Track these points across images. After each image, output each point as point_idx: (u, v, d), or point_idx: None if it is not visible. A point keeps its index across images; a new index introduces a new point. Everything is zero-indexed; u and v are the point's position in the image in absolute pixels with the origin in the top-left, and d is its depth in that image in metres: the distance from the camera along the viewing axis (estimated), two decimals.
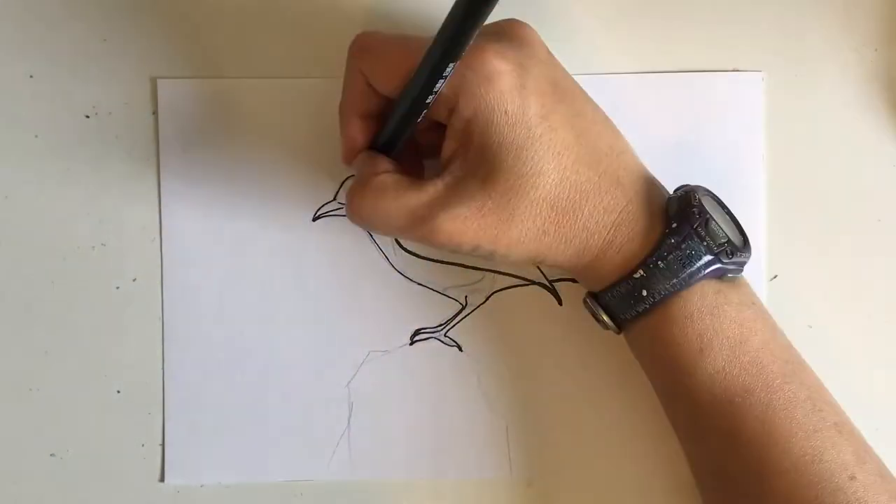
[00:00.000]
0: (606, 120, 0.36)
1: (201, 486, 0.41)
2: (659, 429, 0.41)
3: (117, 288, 0.41)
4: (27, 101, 0.41)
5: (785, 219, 0.41)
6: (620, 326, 0.36)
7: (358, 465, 0.41)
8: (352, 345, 0.41)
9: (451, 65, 0.32)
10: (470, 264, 0.41)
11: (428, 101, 0.33)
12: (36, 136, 0.41)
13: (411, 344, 0.41)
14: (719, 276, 0.35)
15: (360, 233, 0.41)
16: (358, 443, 0.41)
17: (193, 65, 0.41)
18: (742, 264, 0.35)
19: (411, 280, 0.41)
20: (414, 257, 0.41)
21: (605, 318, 0.36)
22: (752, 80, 0.41)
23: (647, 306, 0.35)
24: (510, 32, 0.35)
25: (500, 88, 0.33)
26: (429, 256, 0.41)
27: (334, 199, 0.41)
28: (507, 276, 0.41)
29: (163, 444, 0.41)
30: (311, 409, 0.41)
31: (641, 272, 0.34)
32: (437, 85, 0.33)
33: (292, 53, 0.41)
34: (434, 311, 0.41)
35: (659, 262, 0.34)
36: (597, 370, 0.41)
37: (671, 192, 0.37)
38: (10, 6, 0.41)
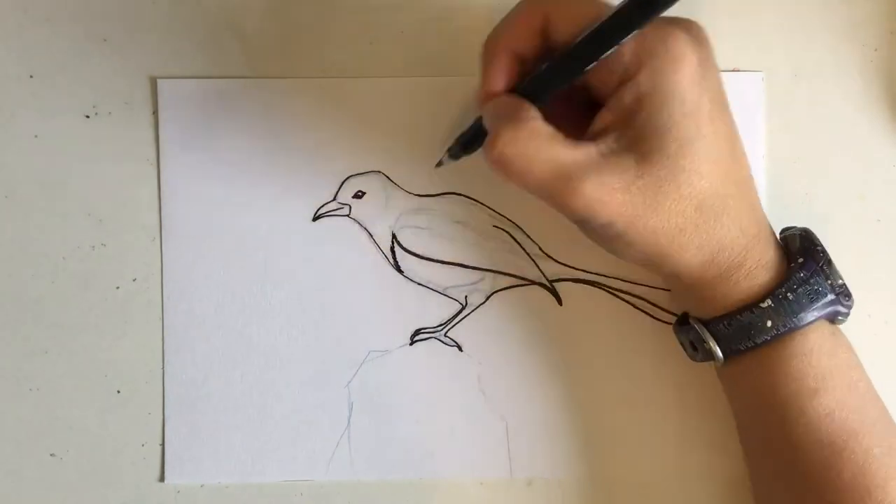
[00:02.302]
0: (744, 148, 0.35)
1: (201, 486, 0.41)
2: (659, 428, 0.41)
3: (117, 288, 0.41)
4: (27, 101, 0.41)
5: (785, 219, 0.41)
6: (726, 358, 0.35)
7: (358, 465, 0.41)
8: (352, 345, 0.41)
9: (636, 31, 0.31)
10: (471, 264, 0.41)
11: (604, 56, 0.32)
12: (36, 136, 0.41)
13: (411, 344, 0.41)
14: (832, 318, 0.35)
15: (360, 233, 0.41)
16: (358, 443, 0.41)
17: (193, 65, 0.41)
18: (850, 309, 0.35)
19: (411, 280, 0.41)
20: (414, 257, 0.41)
21: (714, 346, 0.35)
22: (752, 80, 0.41)
23: (768, 338, 0.34)
24: (694, 30, 0.33)
25: (685, 75, 0.32)
26: (430, 256, 0.41)
27: (334, 199, 0.41)
28: (507, 276, 0.41)
29: (163, 444, 0.41)
30: (311, 409, 0.41)
31: (770, 302, 0.34)
32: (613, 48, 0.31)
33: (292, 53, 0.41)
34: (434, 311, 0.41)
35: (788, 294, 0.34)
36: (597, 370, 0.41)
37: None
38: (10, 6, 0.41)
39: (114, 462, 0.41)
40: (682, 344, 0.38)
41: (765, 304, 0.34)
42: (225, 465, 0.41)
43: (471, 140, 0.37)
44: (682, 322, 0.37)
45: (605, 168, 0.32)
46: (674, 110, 0.32)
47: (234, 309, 0.41)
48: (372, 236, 0.41)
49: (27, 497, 0.41)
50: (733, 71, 0.41)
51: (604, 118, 0.33)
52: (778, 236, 0.37)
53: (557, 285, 0.41)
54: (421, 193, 0.41)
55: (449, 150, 0.38)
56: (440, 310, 0.41)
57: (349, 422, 0.41)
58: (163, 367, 0.41)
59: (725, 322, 0.35)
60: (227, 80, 0.41)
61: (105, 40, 0.41)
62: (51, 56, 0.41)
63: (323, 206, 0.41)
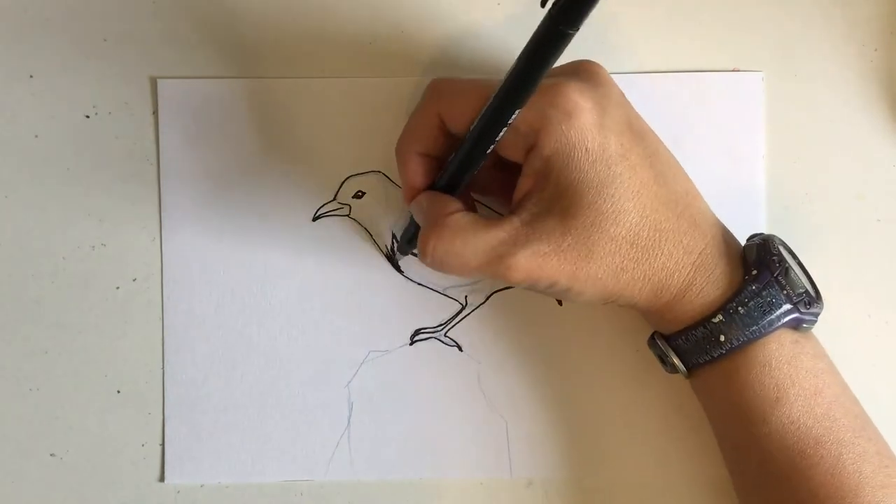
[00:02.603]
0: (678, 163, 0.36)
1: (201, 486, 0.41)
2: (659, 428, 0.41)
3: (117, 288, 0.41)
4: (27, 101, 0.41)
5: (785, 219, 0.41)
6: (690, 370, 0.36)
7: (358, 465, 0.41)
8: (352, 345, 0.41)
9: (516, 111, 0.32)
10: None
11: (497, 138, 0.33)
12: (36, 136, 0.41)
13: (411, 344, 0.41)
14: (795, 325, 0.35)
15: (360, 233, 0.41)
16: (358, 443, 0.41)
17: (193, 65, 0.41)
18: (817, 315, 0.36)
19: (411, 280, 0.41)
20: (414, 257, 0.41)
21: (676, 360, 0.36)
22: (752, 80, 0.41)
23: (724, 352, 0.34)
24: (585, 72, 0.35)
25: (581, 125, 0.33)
26: None
27: (334, 198, 0.41)
28: None
29: (163, 444, 0.41)
30: (311, 409, 0.41)
31: (721, 317, 0.34)
32: (504, 128, 0.33)
33: (292, 53, 0.41)
34: (434, 311, 0.41)
35: (739, 308, 0.34)
36: (597, 370, 0.41)
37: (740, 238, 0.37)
38: (10, 6, 0.41)
39: (114, 462, 0.41)
40: (656, 358, 0.38)
41: (716, 320, 0.34)
42: (225, 465, 0.41)
43: (413, 236, 0.38)
44: (652, 338, 0.38)
45: (531, 236, 0.33)
46: (580, 162, 0.33)
47: (234, 309, 0.41)
48: (372, 236, 0.41)
49: (27, 497, 0.41)
50: (733, 71, 0.41)
51: (522, 186, 0.35)
52: (743, 243, 0.37)
53: None
54: None
55: (398, 248, 0.40)
56: (440, 310, 0.41)
57: (349, 422, 0.41)
58: (163, 367, 0.41)
59: (683, 337, 0.35)
60: (227, 80, 0.41)
61: (105, 40, 0.41)
62: (51, 56, 0.41)
63: (323, 206, 0.41)
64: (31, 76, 0.41)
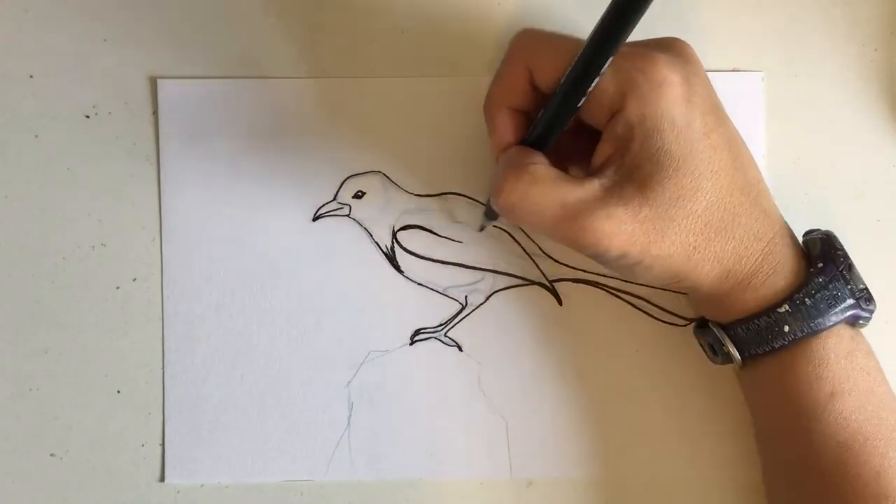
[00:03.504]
0: (750, 151, 0.36)
1: (201, 486, 0.41)
2: (659, 428, 0.41)
3: (117, 288, 0.41)
4: (27, 101, 0.41)
5: (785, 219, 0.41)
6: (744, 360, 0.36)
7: (358, 465, 0.41)
8: (352, 345, 0.41)
9: (608, 60, 0.31)
10: (471, 264, 0.41)
11: (587, 92, 0.33)
12: (36, 136, 0.41)
13: (411, 344, 0.41)
14: (853, 322, 0.35)
15: (361, 233, 0.41)
16: (358, 443, 0.41)
17: (194, 65, 0.41)
18: (872, 313, 0.35)
19: (411, 280, 0.41)
20: (414, 257, 0.41)
21: (732, 349, 0.36)
22: (752, 80, 0.41)
23: (786, 343, 0.34)
24: (675, 48, 0.34)
25: (670, 97, 0.33)
26: (430, 256, 0.41)
27: (334, 199, 0.41)
28: (507, 276, 0.41)
29: (163, 444, 0.41)
30: (311, 409, 0.41)
31: (787, 307, 0.34)
32: (594, 80, 0.32)
33: (292, 53, 0.41)
34: (434, 311, 0.41)
35: (806, 300, 0.34)
36: (597, 370, 0.41)
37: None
38: (10, 6, 0.41)
39: (114, 462, 0.41)
40: (701, 346, 0.38)
41: (782, 310, 0.34)
42: (225, 465, 0.41)
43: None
44: (702, 325, 0.37)
45: (609, 201, 0.33)
46: (665, 134, 0.32)
47: (234, 309, 0.41)
48: (372, 236, 0.41)
49: (27, 497, 0.41)
50: (733, 71, 0.41)
51: (602, 151, 0.34)
52: (801, 240, 0.37)
53: (557, 285, 0.41)
54: (421, 193, 0.41)
55: (485, 213, 0.39)
56: (440, 310, 0.41)
57: (349, 422, 0.41)
58: (163, 367, 0.41)
59: (743, 326, 0.35)
60: (227, 80, 0.41)
61: (105, 40, 0.41)
62: (51, 56, 0.41)
63: (323, 206, 0.41)
64: (31, 76, 0.41)
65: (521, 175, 0.33)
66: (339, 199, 0.41)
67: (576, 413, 0.41)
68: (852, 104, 0.41)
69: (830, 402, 0.34)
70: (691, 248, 0.33)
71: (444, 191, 0.41)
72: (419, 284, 0.41)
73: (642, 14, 0.30)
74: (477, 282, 0.41)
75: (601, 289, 0.41)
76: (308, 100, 0.41)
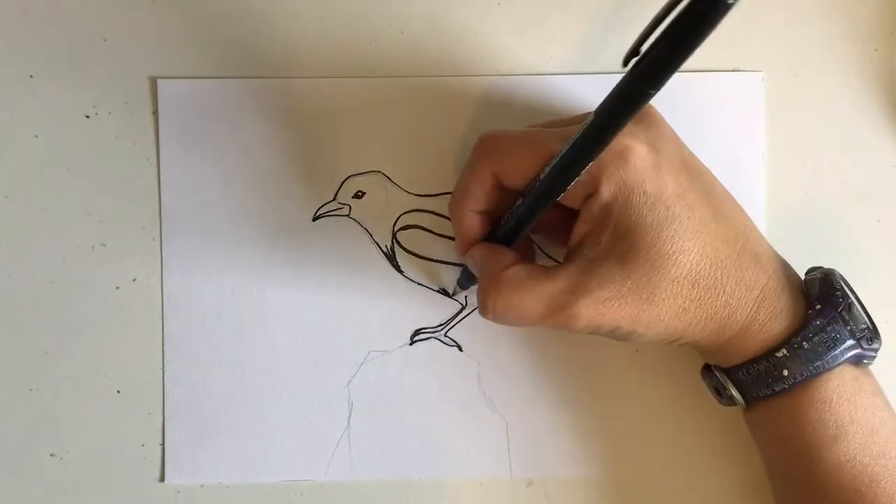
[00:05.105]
0: (732, 197, 0.36)
1: (201, 486, 0.41)
2: (658, 428, 0.41)
3: (117, 288, 0.41)
4: (27, 101, 0.41)
5: (785, 219, 0.41)
6: (748, 403, 0.36)
7: (358, 465, 0.41)
8: (352, 345, 0.41)
9: (590, 164, 0.32)
10: None
11: (565, 192, 0.33)
12: (36, 136, 0.41)
13: (411, 344, 0.41)
14: (856, 361, 0.35)
15: (361, 233, 0.41)
16: (358, 443, 0.41)
17: (194, 65, 0.41)
18: (877, 351, 0.35)
19: (411, 280, 0.41)
20: (414, 257, 0.41)
21: (735, 393, 0.36)
22: (752, 80, 0.41)
23: (786, 386, 0.34)
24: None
25: (639, 167, 0.33)
26: (430, 256, 0.41)
27: (334, 198, 0.41)
28: None
29: (163, 444, 0.41)
30: (311, 409, 0.41)
31: (785, 351, 0.34)
32: (574, 181, 0.33)
33: (292, 53, 0.41)
34: (434, 311, 0.41)
35: (804, 343, 0.34)
36: (597, 369, 0.41)
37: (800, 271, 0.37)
38: (9, 6, 0.41)
39: (114, 462, 0.41)
40: (708, 389, 0.38)
41: (780, 354, 0.34)
42: (225, 465, 0.41)
43: (468, 278, 0.40)
44: (707, 367, 0.38)
45: (590, 284, 0.33)
46: (639, 206, 0.33)
47: (234, 309, 0.41)
48: (372, 236, 0.41)
49: (27, 497, 0.41)
50: (733, 71, 0.41)
51: (578, 231, 0.34)
52: (803, 276, 0.37)
53: None
54: (421, 193, 0.41)
55: (458, 282, 0.40)
56: (440, 310, 0.41)
57: (349, 422, 0.41)
58: (163, 367, 0.41)
59: (744, 370, 0.35)
60: (227, 80, 0.41)
61: (105, 40, 0.41)
62: (51, 56, 0.41)
63: (323, 206, 0.41)
64: (31, 76, 0.41)
65: (499, 287, 0.34)
66: (339, 199, 0.41)
67: (576, 413, 0.41)
68: (852, 104, 0.41)
69: (835, 444, 0.34)
70: (682, 309, 0.33)
71: (444, 191, 0.41)
72: (419, 284, 0.41)
73: (627, 122, 0.30)
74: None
75: None
76: (308, 100, 0.41)
